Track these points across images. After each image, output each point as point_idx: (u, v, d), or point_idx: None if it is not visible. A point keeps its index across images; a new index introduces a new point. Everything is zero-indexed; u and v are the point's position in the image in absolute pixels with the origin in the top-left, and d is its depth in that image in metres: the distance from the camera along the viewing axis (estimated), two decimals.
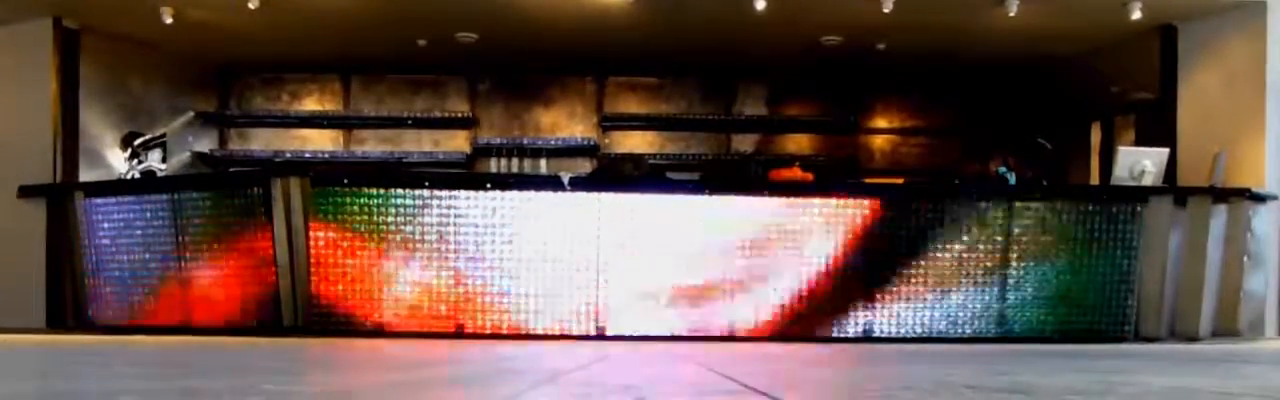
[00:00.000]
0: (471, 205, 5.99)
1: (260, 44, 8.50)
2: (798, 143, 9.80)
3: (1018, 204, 6.22)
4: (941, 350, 4.90)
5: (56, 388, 2.23)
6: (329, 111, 9.59)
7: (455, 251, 5.98)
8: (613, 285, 6.01)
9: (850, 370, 3.14)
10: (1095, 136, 8.90)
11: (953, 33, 7.96)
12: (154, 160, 7.81)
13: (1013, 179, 7.17)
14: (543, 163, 9.52)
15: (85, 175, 7.49)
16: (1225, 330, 6.44)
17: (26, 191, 7.08)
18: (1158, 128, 7.63)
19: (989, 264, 6.18)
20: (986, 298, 6.19)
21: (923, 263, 6.14)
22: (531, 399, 2.00)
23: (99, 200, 6.61)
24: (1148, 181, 6.50)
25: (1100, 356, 4.16)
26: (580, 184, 6.07)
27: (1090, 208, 6.25)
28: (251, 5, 6.96)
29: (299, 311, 5.96)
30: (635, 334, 6.03)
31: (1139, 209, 6.26)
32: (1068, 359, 3.93)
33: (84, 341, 5.27)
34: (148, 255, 6.43)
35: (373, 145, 9.60)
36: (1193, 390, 2.29)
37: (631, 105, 9.74)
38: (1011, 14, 7.08)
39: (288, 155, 9.32)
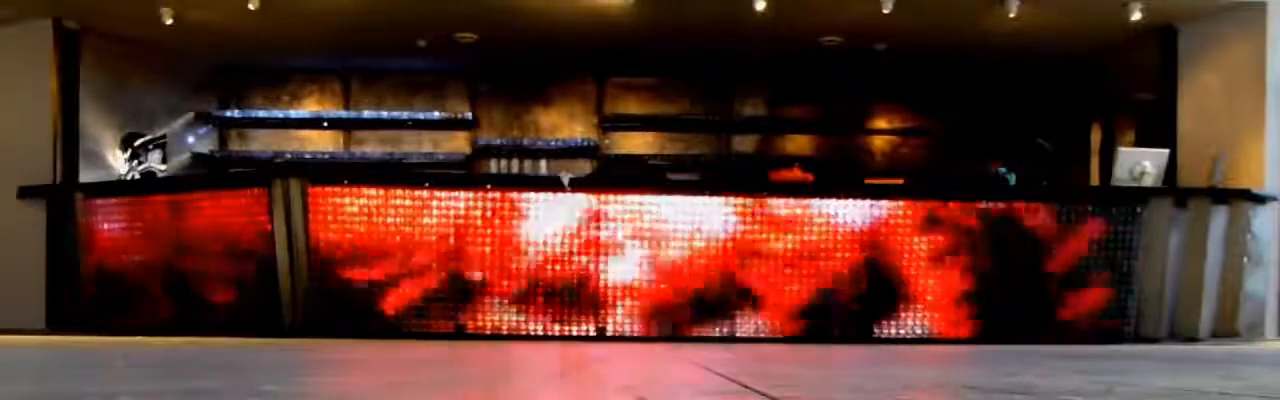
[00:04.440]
0: (471, 206, 5.99)
1: (260, 44, 8.49)
2: (798, 143, 9.79)
3: (1018, 204, 6.23)
4: (941, 351, 4.91)
5: (56, 388, 2.23)
6: (329, 112, 9.58)
7: (455, 251, 5.98)
8: (612, 285, 6.01)
9: (850, 370, 3.14)
10: (1095, 137, 8.90)
11: (953, 33, 7.96)
12: (154, 161, 7.81)
13: (1013, 179, 7.18)
14: (543, 164, 9.51)
15: (85, 176, 7.49)
16: (1225, 331, 6.43)
17: (26, 192, 7.07)
18: (1158, 128, 7.63)
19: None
20: (986, 299, 6.20)
21: (923, 264, 6.15)
22: (531, 399, 2.00)
23: (99, 201, 6.61)
24: (1148, 182, 6.50)
25: (1100, 357, 4.16)
26: (580, 184, 6.08)
27: (1090, 208, 6.25)
28: (251, 5, 6.95)
29: (299, 312, 5.97)
30: (635, 334, 6.03)
31: (1139, 210, 6.27)
32: (1067, 360, 3.93)
33: (84, 342, 5.27)
34: (148, 256, 6.43)
35: (373, 146, 9.60)
36: (1192, 391, 2.28)
37: (631, 106, 9.73)
38: (1012, 14, 7.08)
39: (288, 156, 9.31)
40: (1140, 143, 7.85)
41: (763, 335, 6.08)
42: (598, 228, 6.02)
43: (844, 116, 9.74)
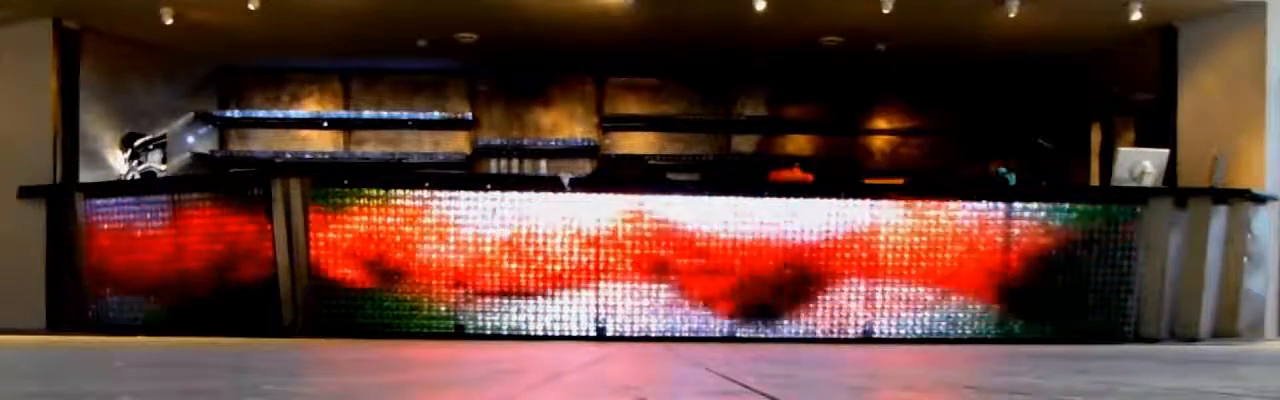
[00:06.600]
0: (471, 206, 5.99)
1: (260, 44, 8.49)
2: (798, 143, 9.79)
3: (1018, 205, 6.23)
4: (941, 351, 4.91)
5: (56, 388, 2.23)
6: (329, 112, 9.58)
7: (455, 251, 5.98)
8: (612, 285, 6.01)
9: (851, 370, 3.14)
10: (1095, 137, 8.90)
11: (953, 33, 7.96)
12: (154, 161, 7.80)
13: (1013, 179, 7.18)
14: (543, 164, 9.51)
15: (85, 176, 7.49)
16: (1225, 331, 6.44)
17: (26, 192, 7.07)
18: (1158, 128, 7.63)
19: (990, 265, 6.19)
20: (986, 299, 6.20)
21: (924, 264, 6.15)
22: (531, 399, 2.00)
23: (99, 201, 6.61)
24: (1148, 182, 6.50)
25: (1100, 357, 4.16)
26: (580, 184, 6.08)
27: (1090, 208, 6.25)
28: (251, 5, 6.95)
29: (299, 312, 5.97)
30: (635, 334, 6.03)
31: (1139, 210, 6.26)
32: (1068, 360, 3.93)
33: (84, 342, 5.27)
34: (148, 256, 6.43)
35: (373, 146, 9.60)
36: (1192, 391, 2.28)
37: (631, 106, 9.73)
38: (1012, 15, 7.08)
39: (288, 156, 9.31)
40: (1140, 143, 7.85)
41: (764, 336, 6.08)
42: (598, 227, 6.01)
43: (844, 116, 9.74)
